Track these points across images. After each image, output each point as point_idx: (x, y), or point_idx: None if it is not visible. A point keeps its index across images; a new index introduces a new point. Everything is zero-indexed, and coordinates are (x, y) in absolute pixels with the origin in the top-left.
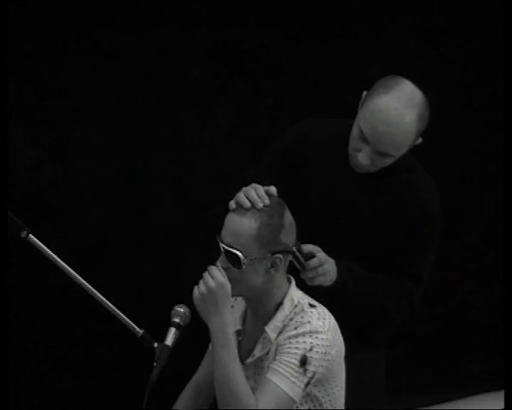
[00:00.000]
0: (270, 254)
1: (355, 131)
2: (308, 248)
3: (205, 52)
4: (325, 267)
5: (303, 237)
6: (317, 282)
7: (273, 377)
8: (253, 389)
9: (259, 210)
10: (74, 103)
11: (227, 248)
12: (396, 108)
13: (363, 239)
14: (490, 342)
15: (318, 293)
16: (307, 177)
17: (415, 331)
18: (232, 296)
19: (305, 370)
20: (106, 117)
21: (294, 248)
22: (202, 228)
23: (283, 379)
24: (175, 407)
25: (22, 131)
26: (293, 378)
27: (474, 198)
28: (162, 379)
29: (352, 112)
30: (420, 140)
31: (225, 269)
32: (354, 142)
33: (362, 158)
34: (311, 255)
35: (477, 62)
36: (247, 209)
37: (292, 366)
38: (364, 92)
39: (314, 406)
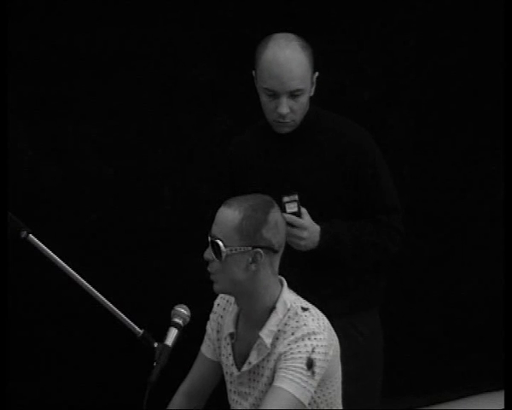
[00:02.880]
0: (250, 248)
1: (263, 100)
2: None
3: (205, 52)
4: (301, 234)
5: None
6: (297, 247)
7: (283, 385)
8: (247, 395)
9: (245, 203)
10: (74, 103)
11: (211, 238)
12: (279, 49)
13: (320, 200)
14: (490, 342)
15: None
16: (251, 176)
17: (415, 331)
18: (216, 292)
19: (313, 373)
20: (106, 117)
21: (287, 198)
22: (202, 228)
23: (294, 385)
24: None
25: (22, 131)
26: (303, 383)
27: (474, 198)
28: (162, 379)
29: (351, 112)
30: (317, 74)
31: (209, 261)
32: (267, 108)
33: (281, 109)
34: (297, 215)
35: (477, 62)
36: (234, 201)
37: (300, 370)
38: (253, 71)
39: (311, 407)
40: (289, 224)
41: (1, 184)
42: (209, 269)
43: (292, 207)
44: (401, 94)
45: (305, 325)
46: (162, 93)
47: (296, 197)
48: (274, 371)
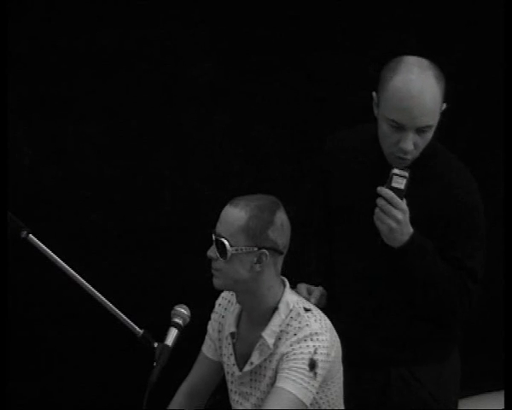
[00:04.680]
0: (256, 248)
1: (384, 129)
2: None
3: (205, 51)
4: (397, 214)
5: (353, 247)
6: (383, 226)
7: (286, 385)
8: (248, 395)
9: (252, 202)
10: (74, 103)
11: (216, 237)
12: (412, 79)
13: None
14: (490, 343)
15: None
16: (346, 187)
17: None
18: (218, 288)
19: (315, 373)
20: (105, 117)
21: (397, 171)
22: (202, 228)
23: (296, 386)
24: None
25: (22, 132)
26: (305, 384)
27: None
28: (162, 379)
29: (351, 112)
30: (444, 106)
31: (213, 259)
32: (388, 139)
33: (405, 145)
34: (401, 194)
35: (477, 62)
36: (240, 200)
37: (302, 371)
38: (373, 93)
39: (313, 408)
40: (386, 200)
41: (1, 184)
42: (213, 266)
43: (399, 183)
44: None
45: (307, 325)
46: (162, 93)
47: (407, 174)
48: (276, 372)
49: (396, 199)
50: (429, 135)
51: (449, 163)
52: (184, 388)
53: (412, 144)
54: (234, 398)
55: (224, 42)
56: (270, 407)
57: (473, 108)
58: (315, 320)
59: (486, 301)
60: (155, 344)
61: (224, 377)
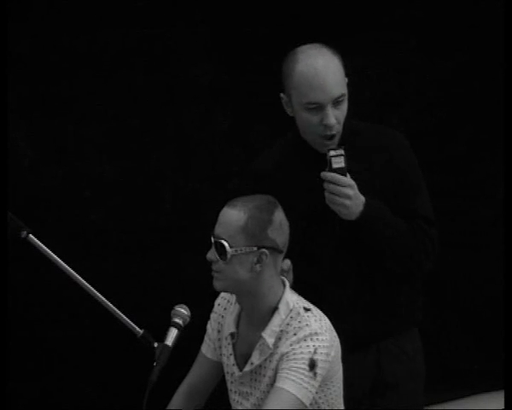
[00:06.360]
0: (255, 248)
1: (305, 117)
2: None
3: (206, 51)
4: (347, 191)
5: (308, 239)
6: (338, 207)
7: (285, 386)
8: (248, 395)
9: (250, 203)
10: (74, 103)
11: (215, 239)
12: (312, 60)
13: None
14: (490, 342)
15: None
16: (293, 198)
17: None
18: (219, 291)
19: (315, 373)
20: (106, 117)
21: (333, 152)
22: (202, 228)
23: (296, 386)
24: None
25: (22, 132)
26: (305, 384)
27: (474, 198)
28: (162, 379)
29: (351, 113)
30: (347, 79)
31: (213, 261)
32: (311, 123)
33: (328, 120)
34: (343, 171)
35: (477, 62)
36: (238, 202)
37: (302, 371)
38: (281, 94)
39: (313, 408)
40: (333, 183)
41: (1, 184)
42: (213, 268)
43: (338, 162)
44: (401, 95)
45: (307, 325)
46: (163, 93)
47: (342, 152)
48: (276, 372)
49: (341, 179)
50: (345, 106)
51: (378, 132)
52: (183, 388)
53: (334, 117)
54: (234, 398)
55: (225, 42)
56: (270, 407)
57: (473, 108)
58: (315, 320)
59: (486, 301)
60: (155, 344)
61: (222, 377)
